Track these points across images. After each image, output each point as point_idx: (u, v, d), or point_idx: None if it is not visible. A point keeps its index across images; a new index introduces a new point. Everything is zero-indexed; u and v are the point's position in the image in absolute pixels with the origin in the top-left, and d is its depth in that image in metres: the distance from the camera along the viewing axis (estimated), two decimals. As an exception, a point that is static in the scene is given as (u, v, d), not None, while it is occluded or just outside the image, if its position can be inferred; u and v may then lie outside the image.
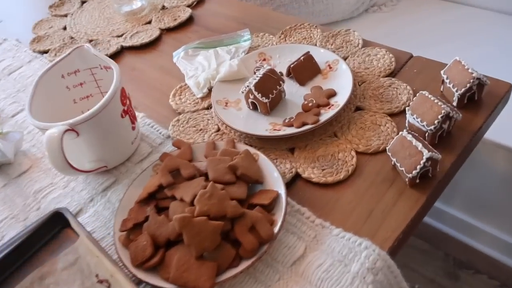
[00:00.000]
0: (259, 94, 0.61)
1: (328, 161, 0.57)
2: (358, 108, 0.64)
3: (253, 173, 0.53)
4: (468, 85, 0.57)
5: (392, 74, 0.68)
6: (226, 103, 0.67)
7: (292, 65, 0.67)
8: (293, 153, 0.60)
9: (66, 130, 0.52)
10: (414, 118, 0.56)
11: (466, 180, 1.12)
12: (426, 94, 0.56)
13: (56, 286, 0.50)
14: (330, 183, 0.55)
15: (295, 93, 0.66)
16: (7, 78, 0.86)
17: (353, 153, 0.58)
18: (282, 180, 0.53)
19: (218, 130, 0.66)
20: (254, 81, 0.61)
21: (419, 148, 0.50)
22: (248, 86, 0.62)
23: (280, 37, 0.79)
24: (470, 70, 0.57)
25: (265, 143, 0.61)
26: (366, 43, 0.74)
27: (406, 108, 0.58)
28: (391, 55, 0.70)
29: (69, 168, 0.54)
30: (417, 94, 0.57)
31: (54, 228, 0.56)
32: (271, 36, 0.80)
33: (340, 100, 0.62)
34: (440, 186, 0.54)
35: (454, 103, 0.60)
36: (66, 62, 0.63)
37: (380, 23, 1.26)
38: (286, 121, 0.62)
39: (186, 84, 0.74)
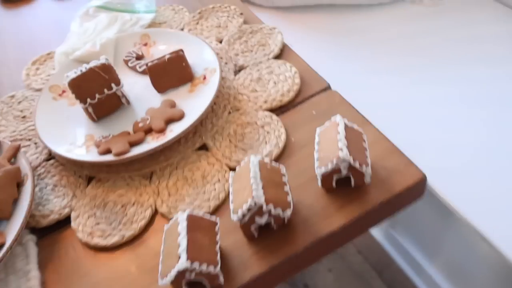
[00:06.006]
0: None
1: (113, 212, 0.41)
2: (204, 147, 0.46)
3: (-12, 205, 0.39)
4: (329, 165, 0.37)
5: (283, 109, 0.48)
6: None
7: (150, 64, 0.49)
8: (86, 185, 0.44)
9: None
10: (232, 192, 0.38)
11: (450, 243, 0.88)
12: (258, 165, 0.36)
13: None
14: (101, 246, 0.40)
15: (145, 102, 0.49)
16: None
17: (148, 212, 0.41)
18: (22, 223, 0.39)
19: (43, 122, 0.51)
20: (72, 76, 0.45)
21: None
22: (64, 81, 0.46)
23: (194, 17, 0.60)
24: (340, 145, 0.36)
25: (67, 160, 0.46)
26: (285, 52, 0.53)
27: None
28: (297, 80, 0.49)
29: None
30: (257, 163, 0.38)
31: None
32: (187, 13, 0.62)
33: (176, 131, 0.44)
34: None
35: (319, 183, 0.40)
36: None
37: (413, 19, 0.98)
38: (101, 138, 0.46)
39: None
